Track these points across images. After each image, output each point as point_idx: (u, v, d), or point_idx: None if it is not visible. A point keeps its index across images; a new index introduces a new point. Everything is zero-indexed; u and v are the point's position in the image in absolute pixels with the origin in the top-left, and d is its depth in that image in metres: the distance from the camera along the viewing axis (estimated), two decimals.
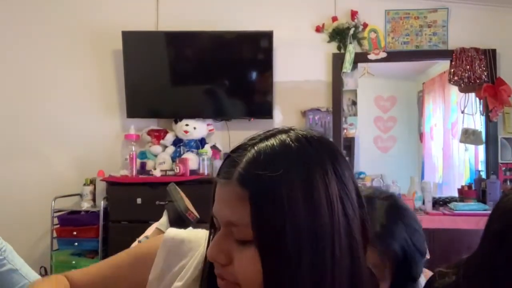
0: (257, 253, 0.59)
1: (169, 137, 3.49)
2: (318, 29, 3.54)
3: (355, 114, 3.68)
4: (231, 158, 0.65)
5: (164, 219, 1.98)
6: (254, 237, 0.59)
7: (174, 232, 0.82)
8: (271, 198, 0.59)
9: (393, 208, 1.03)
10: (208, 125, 3.52)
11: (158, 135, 3.49)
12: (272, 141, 0.66)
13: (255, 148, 0.65)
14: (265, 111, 3.48)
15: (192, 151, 3.42)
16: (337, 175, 0.64)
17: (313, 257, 0.59)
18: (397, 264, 0.98)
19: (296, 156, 0.62)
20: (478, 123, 3.45)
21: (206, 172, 3.26)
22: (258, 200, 0.60)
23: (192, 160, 3.33)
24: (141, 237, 1.87)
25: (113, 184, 3.22)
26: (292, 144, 0.64)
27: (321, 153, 0.64)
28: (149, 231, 1.96)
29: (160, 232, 1.82)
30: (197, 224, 1.86)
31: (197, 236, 0.82)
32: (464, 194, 3.30)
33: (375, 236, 0.94)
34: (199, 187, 3.13)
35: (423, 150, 4.18)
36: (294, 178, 0.60)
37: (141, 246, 1.03)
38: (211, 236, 0.71)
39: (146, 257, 0.79)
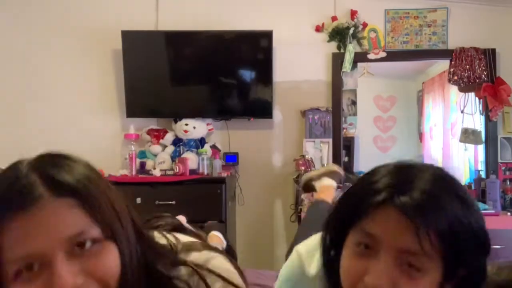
0: None
1: (169, 137, 3.49)
2: (318, 29, 3.54)
3: (354, 114, 3.68)
4: None
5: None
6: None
7: None
8: None
9: (441, 177, 0.80)
10: (207, 124, 3.52)
11: (157, 135, 3.49)
12: None
13: None
14: (265, 111, 3.48)
15: (191, 151, 3.42)
16: None
17: None
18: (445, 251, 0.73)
19: None
20: (477, 122, 3.45)
21: (205, 172, 3.26)
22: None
23: (191, 159, 3.33)
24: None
25: (112, 184, 3.21)
26: None
27: None
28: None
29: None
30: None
31: None
32: None
33: (412, 206, 0.73)
34: (198, 187, 3.13)
35: (423, 149, 4.18)
36: None
37: None
38: None
39: None
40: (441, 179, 0.79)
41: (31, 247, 0.64)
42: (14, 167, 0.71)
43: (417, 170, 0.79)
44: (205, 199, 3.08)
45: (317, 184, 2.38)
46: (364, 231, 0.76)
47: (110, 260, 0.70)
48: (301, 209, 3.06)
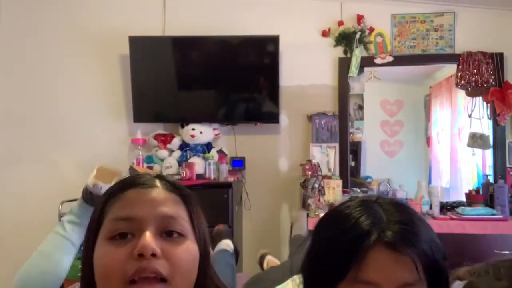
0: None
1: (176, 142, 3.50)
2: (324, 34, 3.54)
3: (361, 118, 3.67)
4: None
5: None
6: None
7: None
8: None
9: (401, 204, 0.84)
10: (214, 129, 3.53)
11: (164, 140, 3.50)
12: None
13: None
14: (271, 116, 3.48)
15: (198, 156, 3.43)
16: None
17: None
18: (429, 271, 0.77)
19: None
20: (485, 127, 3.43)
21: (212, 177, 3.27)
22: None
23: (198, 164, 3.33)
24: None
25: None
26: None
27: None
28: None
29: None
30: None
31: None
32: (471, 198, 3.27)
33: (395, 235, 0.75)
34: (205, 192, 3.13)
35: (430, 154, 4.15)
36: None
37: None
38: None
39: None
40: (400, 206, 0.82)
41: (134, 211, 0.77)
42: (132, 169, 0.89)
43: (378, 204, 0.81)
44: (211, 204, 3.04)
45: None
46: (360, 280, 0.73)
47: (188, 254, 0.77)
48: (307, 214, 3.05)
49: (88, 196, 1.58)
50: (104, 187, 1.58)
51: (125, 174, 1.80)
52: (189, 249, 0.78)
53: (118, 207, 0.79)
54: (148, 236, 0.74)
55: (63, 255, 1.45)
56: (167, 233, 0.77)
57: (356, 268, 0.73)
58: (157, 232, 0.76)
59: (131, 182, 0.82)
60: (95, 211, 0.83)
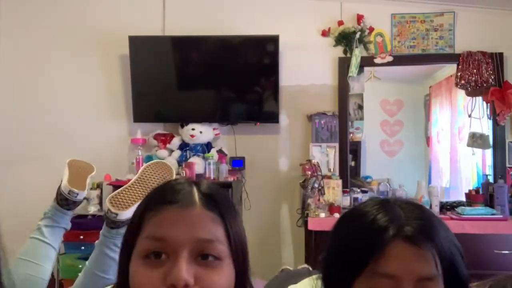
0: None
1: (175, 141, 3.50)
2: (324, 33, 3.54)
3: (361, 118, 3.67)
4: None
5: None
6: None
7: None
8: None
9: (418, 204, 0.87)
10: (214, 129, 3.53)
11: (164, 139, 3.50)
12: None
13: None
14: (271, 116, 3.48)
15: (198, 155, 3.43)
16: None
17: None
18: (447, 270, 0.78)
19: None
20: (485, 127, 3.43)
21: (212, 176, 3.27)
22: None
23: (198, 164, 3.33)
24: None
25: (118, 188, 3.22)
26: None
27: None
28: None
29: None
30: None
31: None
32: (471, 198, 3.28)
33: (418, 234, 0.77)
34: None
35: (430, 154, 4.15)
36: None
37: None
38: None
39: None
40: (418, 205, 0.84)
41: (170, 233, 0.75)
42: (177, 180, 0.87)
43: (395, 203, 0.83)
44: None
45: None
46: (380, 273, 0.75)
47: (222, 280, 0.77)
48: (307, 214, 3.05)
49: (63, 201, 1.56)
50: (80, 193, 1.57)
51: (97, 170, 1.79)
52: (224, 274, 0.77)
53: (155, 225, 0.78)
54: (182, 265, 0.73)
55: (46, 260, 1.46)
56: (203, 256, 0.76)
57: (374, 262, 0.75)
58: (192, 255, 0.75)
59: (170, 199, 0.79)
60: (133, 224, 0.82)
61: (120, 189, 1.58)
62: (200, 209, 0.79)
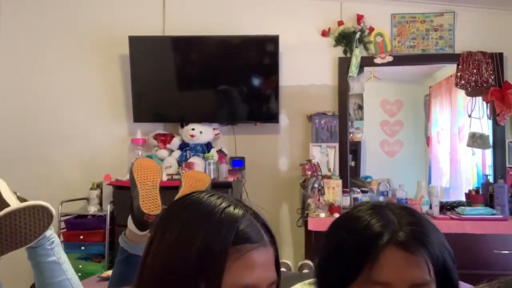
0: None
1: (176, 141, 3.50)
2: (324, 33, 3.55)
3: (361, 118, 3.67)
4: None
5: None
6: None
7: None
8: None
9: (411, 209, 0.87)
10: (214, 129, 3.53)
11: (164, 139, 3.50)
12: None
13: None
14: (271, 116, 3.48)
15: (198, 155, 3.43)
16: None
17: None
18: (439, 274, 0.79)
19: None
20: (485, 127, 3.43)
21: (212, 176, 3.26)
22: None
23: (198, 164, 3.33)
24: None
25: (119, 188, 3.23)
26: None
27: None
28: None
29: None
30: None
31: None
32: (471, 198, 3.28)
33: (407, 236, 0.78)
34: None
35: (430, 154, 4.15)
36: None
37: None
38: None
39: None
40: (410, 210, 0.84)
41: (254, 278, 0.70)
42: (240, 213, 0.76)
43: (389, 208, 0.82)
44: None
45: None
46: (374, 280, 0.75)
47: None
48: (307, 214, 3.05)
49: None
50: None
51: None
52: None
53: (241, 268, 0.70)
54: None
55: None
56: None
57: (368, 268, 0.75)
58: None
59: (249, 237, 0.73)
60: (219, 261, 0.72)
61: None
62: (270, 247, 0.75)
